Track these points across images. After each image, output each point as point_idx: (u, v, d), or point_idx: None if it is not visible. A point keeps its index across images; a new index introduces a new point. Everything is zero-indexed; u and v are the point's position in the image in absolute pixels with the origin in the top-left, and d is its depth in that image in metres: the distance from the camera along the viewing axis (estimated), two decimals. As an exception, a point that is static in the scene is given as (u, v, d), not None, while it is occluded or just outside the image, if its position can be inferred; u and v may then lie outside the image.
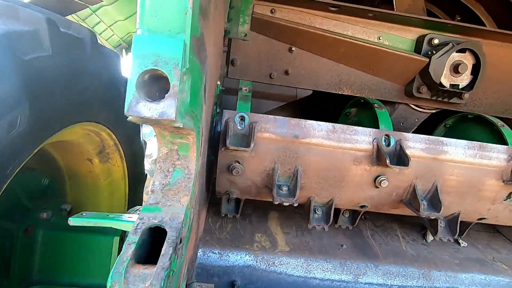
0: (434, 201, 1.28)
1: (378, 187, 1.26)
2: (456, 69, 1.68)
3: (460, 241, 1.70)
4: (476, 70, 1.71)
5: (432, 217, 1.26)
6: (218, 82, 1.31)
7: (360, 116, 1.57)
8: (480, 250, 1.67)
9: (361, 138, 1.23)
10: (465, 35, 1.77)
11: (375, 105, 1.35)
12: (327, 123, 1.22)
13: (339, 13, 1.72)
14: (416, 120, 1.98)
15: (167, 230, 0.67)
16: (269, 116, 1.21)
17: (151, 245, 0.70)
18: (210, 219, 1.56)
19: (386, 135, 1.23)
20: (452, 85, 1.73)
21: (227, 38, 1.48)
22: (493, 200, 1.35)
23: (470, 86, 1.73)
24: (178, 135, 0.76)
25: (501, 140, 1.43)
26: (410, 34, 1.79)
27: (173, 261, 0.65)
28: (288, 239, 1.49)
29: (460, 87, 1.73)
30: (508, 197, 1.33)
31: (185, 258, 0.82)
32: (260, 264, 1.34)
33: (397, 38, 1.79)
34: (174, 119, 0.54)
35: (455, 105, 1.89)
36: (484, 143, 1.27)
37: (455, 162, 1.27)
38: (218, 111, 1.34)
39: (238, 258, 1.34)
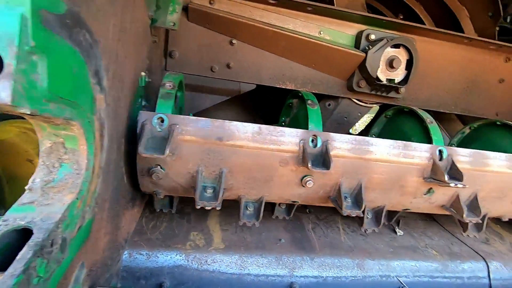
0: (358, 199, 1.31)
1: (304, 186, 1.26)
2: (391, 64, 1.73)
3: (397, 230, 1.76)
4: (410, 65, 1.78)
5: (353, 215, 1.29)
6: (143, 73, 1.23)
7: (298, 109, 1.56)
8: (415, 237, 1.74)
9: (288, 139, 1.21)
10: (401, 32, 1.83)
11: (308, 101, 1.34)
12: (253, 124, 1.18)
13: (279, 6, 1.70)
14: (359, 114, 2.03)
15: (34, 231, 0.60)
16: (191, 117, 1.14)
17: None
18: (144, 219, 1.48)
19: (314, 135, 1.22)
20: (388, 80, 1.78)
21: (159, 28, 1.41)
22: (414, 195, 1.41)
23: (405, 80, 1.80)
24: (59, 126, 0.69)
25: (428, 136, 1.48)
26: (350, 30, 1.83)
27: (40, 266, 0.58)
28: (225, 236, 1.46)
29: (396, 81, 1.79)
30: (428, 192, 1.39)
31: (76, 261, 0.75)
32: (192, 263, 1.29)
33: (337, 33, 1.82)
34: (10, 103, 0.47)
35: (394, 100, 1.96)
36: (408, 142, 1.31)
37: (380, 161, 1.29)
38: (144, 104, 1.27)
39: (167, 259, 1.27)
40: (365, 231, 1.69)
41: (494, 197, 1.50)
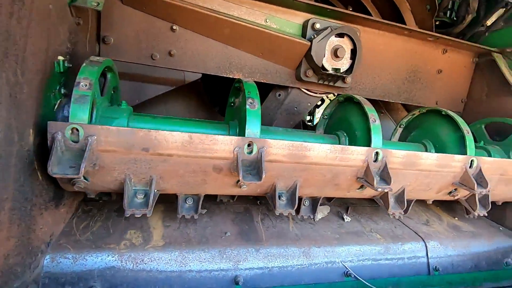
0: (293, 198, 1.31)
1: (240, 188, 1.23)
2: (335, 53, 1.75)
3: (345, 216, 1.80)
4: (354, 55, 1.80)
5: (285, 214, 1.29)
6: (61, 58, 1.10)
7: (242, 100, 1.51)
8: (361, 223, 1.79)
9: (221, 147, 1.15)
10: (345, 22, 1.85)
11: (249, 100, 1.27)
12: (183, 133, 1.09)
13: (222, -9, 1.64)
14: (309, 104, 2.04)
15: None
16: (111, 127, 1.02)
17: None
18: (76, 219, 1.35)
19: (250, 142, 1.17)
20: (334, 69, 1.80)
21: (83, 8, 1.27)
22: (348, 190, 1.45)
23: (350, 70, 1.82)
24: None
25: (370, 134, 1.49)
26: (297, 18, 1.81)
27: None
28: (167, 233, 1.38)
29: (341, 71, 1.81)
30: (360, 187, 1.44)
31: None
32: (126, 263, 1.20)
33: (284, 22, 1.79)
34: None
35: (341, 89, 1.99)
36: (346, 147, 1.31)
37: (317, 164, 1.29)
38: (63, 92, 1.14)
39: (98, 260, 1.17)
40: (313, 219, 1.70)
41: (421, 189, 1.58)
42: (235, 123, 1.45)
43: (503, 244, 1.88)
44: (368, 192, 1.54)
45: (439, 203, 2.22)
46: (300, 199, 1.54)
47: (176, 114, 2.14)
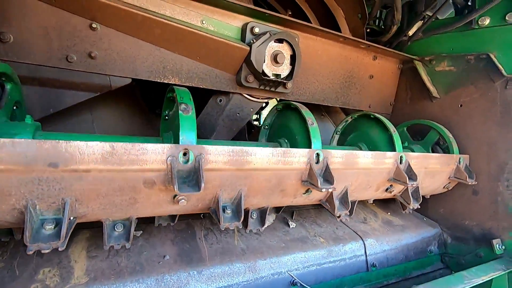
0: (239, 209, 1.25)
1: (178, 204, 1.11)
2: (275, 58, 1.72)
3: (290, 222, 1.80)
4: (294, 60, 1.80)
5: (232, 228, 1.23)
6: None
7: (175, 110, 1.38)
8: (306, 227, 1.82)
9: (152, 157, 1.01)
10: (285, 27, 1.84)
11: (181, 106, 1.15)
12: (103, 143, 0.92)
13: (151, -13, 1.47)
14: (251, 109, 1.99)
15: None
16: (2, 139, 0.82)
17: None
18: (-34, 263, 1.08)
19: (186, 149, 1.06)
20: (274, 75, 1.77)
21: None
22: (294, 195, 1.44)
23: (290, 75, 1.82)
24: None
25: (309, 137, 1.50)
26: (235, 21, 1.73)
27: None
28: (92, 265, 1.19)
29: (281, 76, 1.79)
30: (306, 192, 1.44)
31: None
32: (37, 312, 1.00)
33: (222, 24, 1.70)
34: None
35: (283, 94, 1.98)
36: (288, 149, 1.29)
37: (260, 170, 1.24)
38: None
39: (-4, 315, 0.95)
40: (258, 230, 1.66)
41: (362, 188, 1.66)
42: (169, 135, 1.32)
43: (427, 234, 2.09)
44: (314, 196, 1.55)
45: (375, 200, 2.39)
46: (246, 211, 1.49)
47: (106, 123, 1.90)
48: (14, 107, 1.14)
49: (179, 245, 1.42)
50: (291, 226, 1.78)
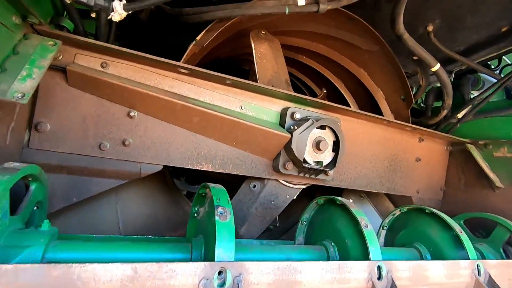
0: None
1: None
2: (318, 146, 1.58)
3: None
4: (336, 146, 1.65)
5: None
6: None
7: (209, 210, 1.21)
8: None
9: (182, 281, 0.80)
10: (325, 110, 1.74)
11: (218, 209, 0.98)
12: (124, 265, 0.75)
13: (193, 76, 1.45)
14: (288, 196, 1.79)
15: None
16: (4, 266, 0.67)
17: None
18: None
19: (222, 267, 0.86)
20: (316, 162, 1.61)
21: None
22: None
23: (333, 163, 1.65)
24: None
25: (363, 239, 1.26)
26: (274, 106, 1.66)
27: None
28: None
29: (324, 164, 1.63)
30: None
31: None
32: None
33: (261, 109, 1.63)
34: None
35: (323, 181, 1.79)
36: (344, 262, 1.05)
37: None
38: None
39: None
40: None
41: None
42: (199, 240, 1.12)
43: None
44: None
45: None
46: None
47: (129, 204, 1.76)
48: (35, 208, 1.02)
49: None
50: None
